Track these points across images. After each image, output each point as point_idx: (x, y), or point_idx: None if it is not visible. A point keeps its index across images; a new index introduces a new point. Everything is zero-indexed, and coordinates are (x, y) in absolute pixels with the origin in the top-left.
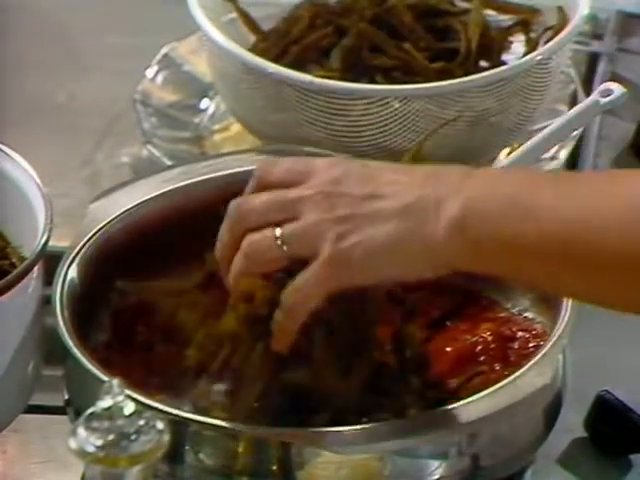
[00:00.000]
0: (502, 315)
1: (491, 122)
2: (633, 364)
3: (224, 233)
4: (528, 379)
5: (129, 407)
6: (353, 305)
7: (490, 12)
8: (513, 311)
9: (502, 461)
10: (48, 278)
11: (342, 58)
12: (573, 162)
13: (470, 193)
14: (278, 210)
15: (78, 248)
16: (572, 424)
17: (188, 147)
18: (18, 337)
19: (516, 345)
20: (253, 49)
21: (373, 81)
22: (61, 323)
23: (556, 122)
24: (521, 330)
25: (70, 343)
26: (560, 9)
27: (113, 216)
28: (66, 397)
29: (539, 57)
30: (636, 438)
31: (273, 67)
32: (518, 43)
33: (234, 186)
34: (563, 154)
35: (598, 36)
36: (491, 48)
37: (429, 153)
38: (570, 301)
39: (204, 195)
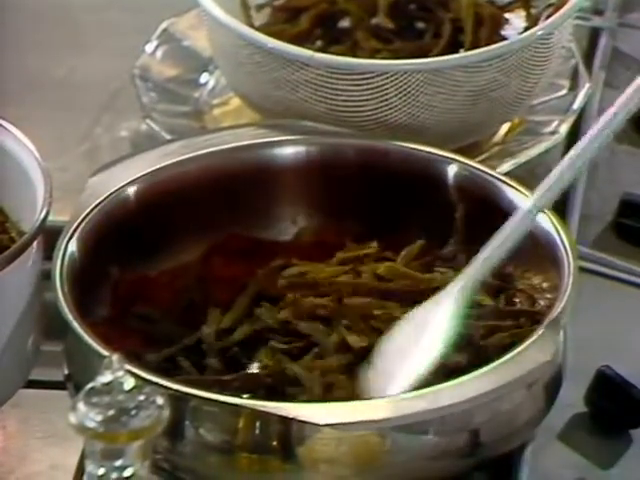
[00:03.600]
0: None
1: (492, 97)
2: (634, 339)
3: None
4: (529, 355)
5: (129, 382)
6: None
7: None
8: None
9: (502, 437)
10: (48, 253)
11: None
12: (573, 137)
13: None
14: None
15: (77, 222)
16: (572, 399)
17: (187, 121)
18: (17, 312)
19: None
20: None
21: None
22: (61, 298)
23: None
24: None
25: (70, 318)
26: None
27: (112, 190)
28: (66, 372)
29: (540, 32)
30: (636, 413)
31: (273, 42)
32: (519, 19)
33: (233, 160)
34: (563, 129)
35: (599, 11)
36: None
37: (430, 128)
38: (571, 276)
39: (203, 169)
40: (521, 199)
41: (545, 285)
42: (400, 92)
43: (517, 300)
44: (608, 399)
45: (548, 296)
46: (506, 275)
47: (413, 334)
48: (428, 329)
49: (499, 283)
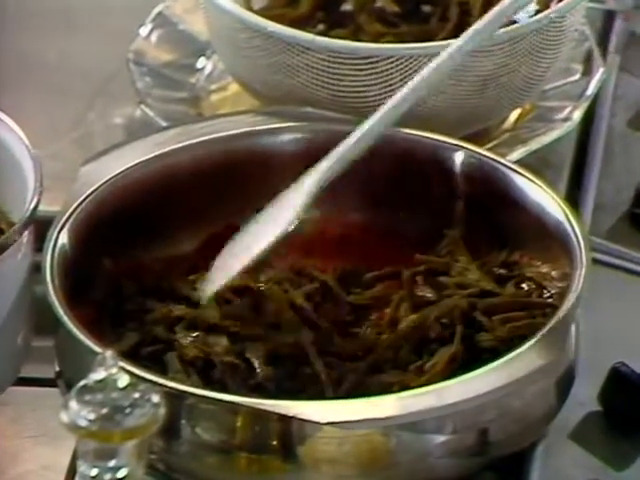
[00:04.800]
0: None
1: (501, 82)
2: None
3: None
4: (539, 350)
5: (123, 379)
6: None
7: None
8: None
9: (512, 436)
10: (38, 244)
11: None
12: (587, 123)
13: None
14: None
15: (69, 213)
16: (585, 397)
17: (184, 108)
18: (7, 306)
19: None
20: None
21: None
22: (51, 291)
23: None
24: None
25: (61, 312)
26: None
27: (105, 179)
28: (57, 369)
29: (552, 15)
30: None
31: (273, 25)
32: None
33: (231, 148)
34: (577, 115)
35: None
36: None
37: (437, 115)
38: (584, 267)
39: (200, 158)
40: (532, 188)
41: (555, 274)
42: (405, 77)
43: (525, 287)
44: (623, 397)
45: (559, 285)
46: (512, 263)
47: (256, 230)
48: (273, 223)
49: (505, 272)
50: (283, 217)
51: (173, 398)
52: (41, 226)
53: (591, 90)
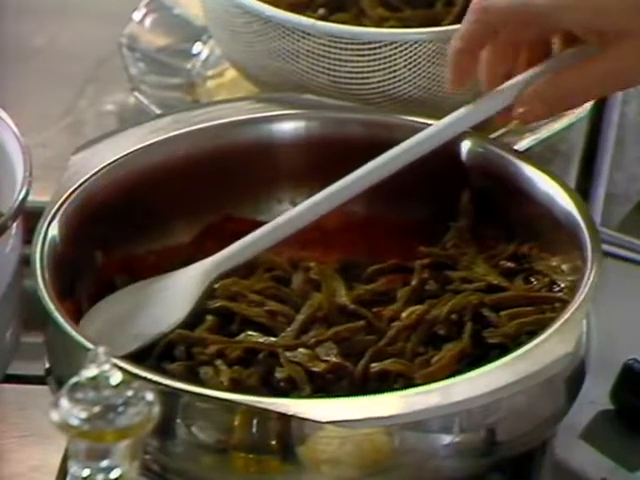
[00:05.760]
0: None
1: None
2: None
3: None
4: (549, 346)
5: (116, 377)
6: None
7: None
8: None
9: (520, 436)
10: (27, 236)
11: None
12: (599, 110)
13: None
14: None
15: (59, 203)
16: (597, 395)
17: (179, 94)
18: None
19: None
20: None
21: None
22: (41, 285)
23: None
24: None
25: (51, 307)
26: None
27: (97, 169)
28: (47, 366)
29: None
30: None
31: (271, 10)
32: None
33: (228, 136)
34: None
35: None
36: None
37: (442, 102)
38: (595, 260)
39: (196, 146)
40: (541, 178)
41: (565, 267)
42: (409, 63)
43: (534, 281)
44: (636, 395)
45: (569, 278)
46: (521, 256)
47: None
48: (168, 308)
49: (514, 265)
50: (179, 303)
51: (168, 396)
52: (30, 217)
53: None
